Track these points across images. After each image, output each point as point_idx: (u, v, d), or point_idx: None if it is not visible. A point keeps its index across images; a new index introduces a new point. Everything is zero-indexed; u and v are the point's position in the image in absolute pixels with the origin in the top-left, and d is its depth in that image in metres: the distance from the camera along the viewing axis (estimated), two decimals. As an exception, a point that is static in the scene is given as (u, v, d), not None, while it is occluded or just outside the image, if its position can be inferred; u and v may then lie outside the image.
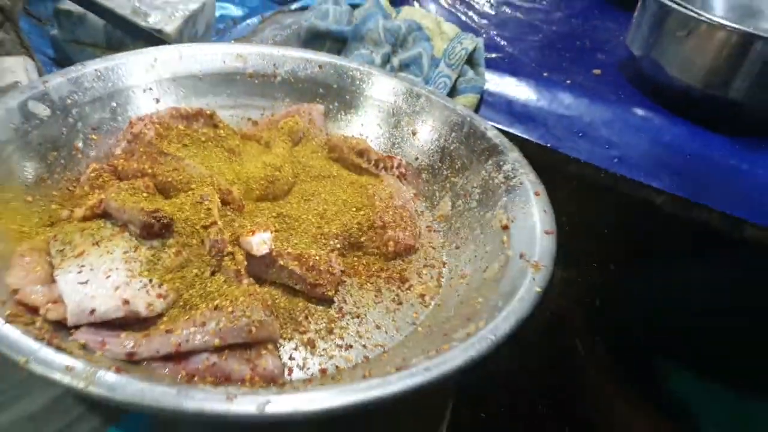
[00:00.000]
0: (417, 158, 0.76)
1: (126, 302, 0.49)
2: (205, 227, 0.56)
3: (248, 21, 0.92)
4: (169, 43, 0.80)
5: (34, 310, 0.47)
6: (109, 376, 0.40)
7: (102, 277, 0.50)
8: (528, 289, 0.52)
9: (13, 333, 0.41)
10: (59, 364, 0.40)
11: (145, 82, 0.73)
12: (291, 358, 0.53)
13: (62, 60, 0.88)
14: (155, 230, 0.54)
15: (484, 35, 0.95)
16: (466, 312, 0.54)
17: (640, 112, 0.83)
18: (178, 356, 0.49)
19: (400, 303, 0.61)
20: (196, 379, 0.48)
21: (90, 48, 0.86)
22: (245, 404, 0.40)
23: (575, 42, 0.99)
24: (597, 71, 0.91)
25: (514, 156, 0.68)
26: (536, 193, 0.63)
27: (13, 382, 0.49)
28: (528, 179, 0.65)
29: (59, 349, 0.42)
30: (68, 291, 0.48)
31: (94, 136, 0.68)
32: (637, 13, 0.88)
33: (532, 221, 0.61)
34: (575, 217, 0.82)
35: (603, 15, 1.10)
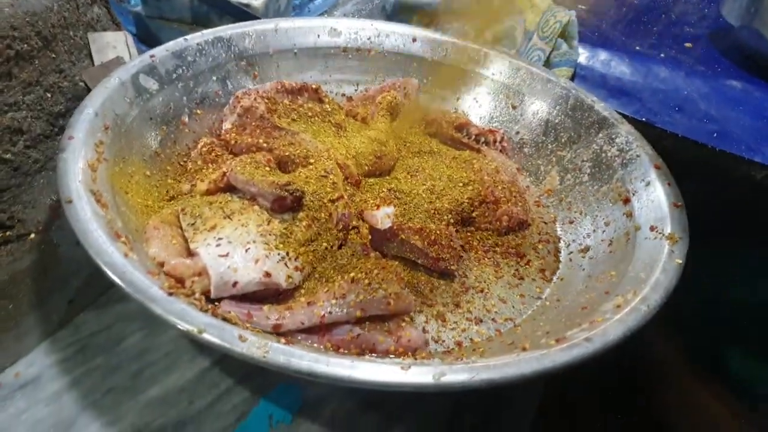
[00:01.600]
0: (518, 132, 0.75)
1: (267, 275, 0.49)
2: (332, 201, 0.55)
3: (326, -5, 0.91)
4: (257, 17, 0.79)
5: (179, 281, 0.47)
6: (282, 347, 0.39)
7: (241, 251, 0.50)
8: (668, 260, 0.51)
9: (180, 305, 0.41)
10: (232, 334, 0.39)
11: (243, 57, 0.72)
12: (424, 330, 0.53)
13: (145, 37, 0.88)
14: (287, 203, 0.54)
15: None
16: (601, 285, 0.53)
17: (738, 84, 0.81)
18: (321, 328, 0.48)
19: (522, 278, 0.60)
20: (341, 350, 0.47)
21: (176, 24, 0.85)
22: (420, 374, 0.39)
23: (660, 15, 0.97)
24: (689, 44, 0.88)
25: (626, 129, 0.66)
26: (656, 166, 0.62)
27: (158, 355, 0.49)
28: (645, 152, 0.63)
29: (225, 320, 0.42)
30: (212, 264, 0.48)
31: (198, 111, 0.67)
32: (735, -18, 0.85)
33: (655, 194, 0.59)
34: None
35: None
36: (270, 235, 0.52)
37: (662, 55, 0.85)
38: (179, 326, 0.39)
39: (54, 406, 0.44)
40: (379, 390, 0.39)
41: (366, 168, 0.65)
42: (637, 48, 0.86)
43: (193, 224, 0.53)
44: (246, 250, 0.50)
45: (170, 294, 0.41)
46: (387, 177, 0.66)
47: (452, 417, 0.49)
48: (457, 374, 0.39)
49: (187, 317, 0.40)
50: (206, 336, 0.39)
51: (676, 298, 0.49)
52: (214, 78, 0.69)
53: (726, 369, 1.01)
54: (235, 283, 0.48)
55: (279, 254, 0.50)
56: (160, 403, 0.45)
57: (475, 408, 0.51)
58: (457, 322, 0.54)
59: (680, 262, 0.51)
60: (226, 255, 0.49)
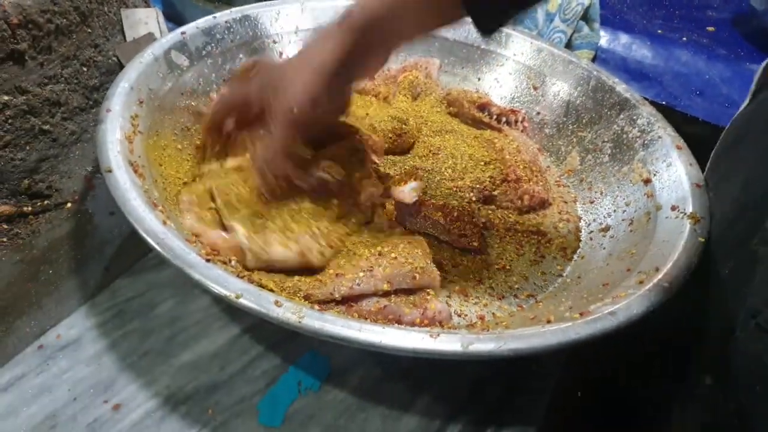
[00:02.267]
0: (538, 113, 0.76)
1: (301, 252, 0.50)
2: (360, 178, 0.56)
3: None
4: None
5: (215, 253, 0.48)
6: (316, 312, 0.41)
7: (275, 227, 0.51)
8: (690, 238, 0.52)
9: (217, 271, 0.42)
10: (268, 300, 0.41)
11: (269, 35, 0.73)
12: (448, 304, 0.54)
13: (171, 15, 0.89)
14: (329, 188, 0.55)
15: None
16: (622, 263, 0.54)
17: (761, 69, 0.81)
18: (349, 299, 0.50)
19: (543, 256, 0.61)
20: (368, 320, 0.48)
21: (201, 3, 0.86)
22: (449, 342, 0.40)
23: (682, -1, 0.97)
24: (711, 28, 0.88)
25: (647, 110, 0.67)
26: (678, 147, 0.62)
27: (190, 322, 0.50)
28: (667, 133, 0.64)
29: (261, 286, 0.43)
30: (246, 240, 0.49)
31: (225, 88, 0.68)
32: (760, -34, 0.85)
33: (677, 174, 0.60)
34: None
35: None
36: (302, 212, 0.53)
37: (684, 38, 0.85)
38: (217, 291, 0.41)
39: (94, 367, 0.46)
40: (407, 356, 0.41)
41: (386, 145, 0.66)
42: (659, 31, 0.86)
43: (227, 201, 0.54)
44: (280, 227, 0.51)
45: (208, 260, 0.43)
46: (408, 155, 0.68)
47: (474, 390, 0.51)
48: (484, 343, 0.41)
49: (225, 283, 0.41)
50: (243, 301, 0.40)
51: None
52: (242, 55, 0.71)
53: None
54: (269, 258, 0.49)
55: (311, 230, 0.52)
56: (192, 367, 0.47)
57: (496, 383, 0.52)
58: (480, 297, 0.56)
59: (702, 240, 0.52)
60: (261, 231, 0.50)
